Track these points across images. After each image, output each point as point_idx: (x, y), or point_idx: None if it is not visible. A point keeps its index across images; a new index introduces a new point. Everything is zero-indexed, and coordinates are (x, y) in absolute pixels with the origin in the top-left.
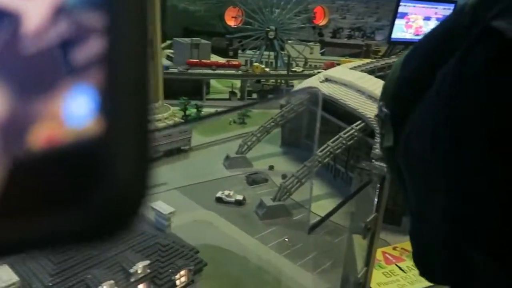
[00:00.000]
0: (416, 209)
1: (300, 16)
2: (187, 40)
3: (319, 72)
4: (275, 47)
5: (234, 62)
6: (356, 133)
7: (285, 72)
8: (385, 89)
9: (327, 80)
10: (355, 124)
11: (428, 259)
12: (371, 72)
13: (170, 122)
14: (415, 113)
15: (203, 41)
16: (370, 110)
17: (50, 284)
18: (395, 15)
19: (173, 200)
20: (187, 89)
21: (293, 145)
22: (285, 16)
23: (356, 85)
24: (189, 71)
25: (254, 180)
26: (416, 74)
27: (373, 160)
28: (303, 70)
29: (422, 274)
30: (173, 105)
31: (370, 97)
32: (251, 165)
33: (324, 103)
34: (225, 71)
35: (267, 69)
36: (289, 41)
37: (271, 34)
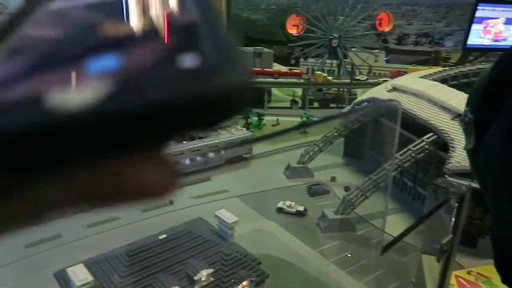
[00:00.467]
0: (498, 214)
1: (364, 23)
2: (250, 49)
3: (384, 81)
4: (338, 55)
5: (296, 71)
6: (427, 146)
7: (348, 81)
8: (471, 95)
9: (394, 89)
10: (426, 137)
11: (511, 265)
12: (443, 81)
13: (233, 130)
14: (499, 115)
15: (265, 49)
16: (443, 121)
17: (120, 285)
18: (471, 19)
19: (235, 208)
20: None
21: (356, 156)
22: (349, 24)
23: (427, 95)
24: (252, 79)
25: (315, 191)
26: (503, 78)
27: (446, 176)
28: (367, 79)
29: (504, 281)
30: None
31: (443, 108)
32: (313, 175)
33: (390, 113)
34: (287, 79)
35: (329, 78)
36: (353, 49)
37: (334, 42)
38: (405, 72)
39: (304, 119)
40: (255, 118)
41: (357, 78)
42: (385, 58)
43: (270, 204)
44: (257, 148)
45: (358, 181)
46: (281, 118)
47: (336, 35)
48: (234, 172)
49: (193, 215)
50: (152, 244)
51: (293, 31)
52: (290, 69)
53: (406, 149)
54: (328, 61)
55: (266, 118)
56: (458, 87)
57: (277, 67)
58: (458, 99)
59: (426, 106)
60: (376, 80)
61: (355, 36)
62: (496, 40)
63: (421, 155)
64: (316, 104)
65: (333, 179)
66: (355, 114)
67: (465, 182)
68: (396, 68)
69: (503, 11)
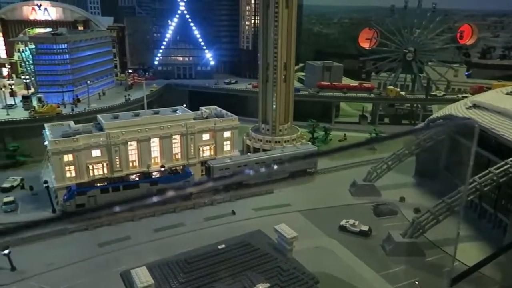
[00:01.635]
0: None
1: (444, 35)
2: (319, 63)
3: (464, 97)
4: (413, 69)
5: (366, 85)
6: (511, 170)
7: (423, 96)
8: None
9: (475, 106)
10: (510, 159)
11: None
12: None
13: (298, 144)
14: None
15: (335, 63)
16: None
17: None
18: None
19: (295, 223)
20: (316, 111)
21: (429, 176)
22: (426, 37)
23: None
24: (320, 93)
25: (382, 211)
26: None
27: None
28: (444, 95)
29: None
30: (301, 127)
31: None
32: (379, 194)
33: (467, 132)
34: (357, 94)
35: (402, 93)
36: (430, 63)
37: (409, 56)
38: (489, 88)
39: (373, 135)
40: (322, 133)
41: (433, 93)
42: (466, 73)
43: (333, 221)
44: (322, 163)
45: (430, 203)
46: (348, 133)
47: (411, 48)
48: (297, 186)
49: (253, 227)
50: (211, 254)
51: (365, 44)
52: (360, 84)
53: (487, 171)
54: (402, 75)
55: (333, 133)
56: None
57: (347, 81)
58: None
59: (511, 125)
60: (454, 96)
61: (433, 50)
62: None
63: (504, 179)
64: (387, 120)
65: (402, 199)
66: (429, 131)
67: None
68: (478, 84)
69: None
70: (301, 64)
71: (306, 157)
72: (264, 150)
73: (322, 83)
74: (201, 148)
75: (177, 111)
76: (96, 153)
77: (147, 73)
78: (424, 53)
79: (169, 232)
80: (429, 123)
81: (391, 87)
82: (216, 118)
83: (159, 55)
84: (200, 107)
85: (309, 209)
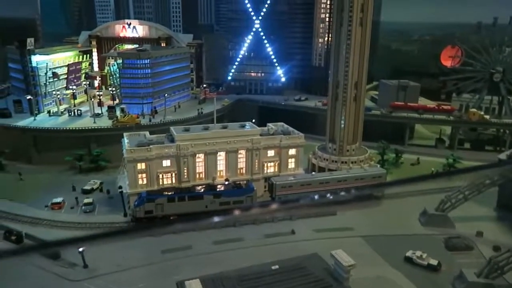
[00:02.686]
0: None
1: None
2: (394, 82)
3: None
4: (501, 91)
5: (445, 107)
6: None
7: (511, 121)
8: None
9: None
10: None
11: None
12: None
13: (366, 165)
14: None
15: (411, 83)
16: None
17: None
18: None
19: (357, 249)
20: (388, 132)
21: (511, 209)
22: None
23: None
24: (393, 114)
25: (455, 245)
26: None
27: None
28: None
29: None
30: (371, 148)
31: None
32: (453, 226)
33: None
34: (434, 115)
35: (486, 116)
36: None
37: (497, 76)
38: None
39: (450, 161)
40: (393, 155)
41: None
42: None
43: (398, 251)
44: (391, 187)
45: None
46: (422, 157)
47: (499, 68)
48: (362, 210)
49: (312, 249)
50: (265, 273)
51: (448, 63)
52: (438, 105)
53: None
54: (487, 97)
55: (405, 156)
56: None
57: (424, 101)
58: None
59: None
60: None
61: None
62: None
63: None
64: (467, 145)
65: (479, 234)
66: None
67: None
68: None
69: None
70: (375, 83)
71: (375, 186)
72: (330, 170)
73: (396, 103)
74: (265, 164)
75: (245, 127)
76: (166, 163)
77: (220, 88)
78: None
79: (228, 246)
80: None
81: (474, 109)
82: (282, 135)
83: (232, 70)
84: (268, 123)
85: (373, 235)
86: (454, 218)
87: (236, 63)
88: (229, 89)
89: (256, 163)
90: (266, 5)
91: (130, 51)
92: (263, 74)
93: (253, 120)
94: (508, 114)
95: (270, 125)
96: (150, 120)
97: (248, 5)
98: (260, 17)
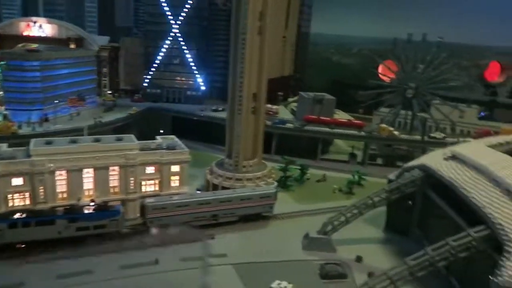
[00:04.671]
0: None
1: (454, 72)
2: (311, 94)
3: (464, 141)
4: (413, 107)
5: (356, 122)
6: (474, 243)
7: (420, 138)
8: None
9: (453, 157)
10: (474, 230)
11: None
12: None
13: (262, 182)
14: None
15: (327, 96)
16: (502, 211)
17: None
18: None
19: (223, 279)
20: (302, 146)
21: (400, 233)
22: (429, 73)
23: (490, 172)
24: (306, 127)
25: (328, 273)
26: None
27: None
28: (444, 137)
29: None
30: (279, 163)
31: (509, 192)
32: (334, 250)
33: (443, 188)
34: (345, 130)
35: (396, 132)
36: (435, 102)
37: (409, 92)
38: (497, 133)
39: (356, 177)
40: (297, 170)
41: (433, 135)
42: (482, 113)
43: (266, 280)
44: (283, 206)
45: (393, 265)
46: (332, 173)
47: (412, 85)
48: (245, 233)
49: (177, 280)
50: None
51: (385, 77)
52: (349, 120)
53: (443, 242)
54: (407, 112)
55: (315, 171)
56: None
57: (342, 115)
58: None
59: (486, 186)
60: (455, 140)
61: (439, 88)
62: None
63: (464, 254)
64: (380, 161)
65: (359, 259)
66: (396, 183)
67: None
68: (486, 128)
69: None
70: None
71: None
72: (224, 187)
73: (309, 116)
74: (143, 183)
75: (122, 140)
76: (17, 181)
77: (136, 95)
78: (427, 91)
79: (73, 280)
80: (404, 171)
81: (384, 125)
82: (163, 150)
83: (149, 77)
84: (156, 136)
85: (246, 262)
86: (339, 241)
87: (153, 69)
88: (146, 96)
89: (132, 182)
90: (186, 10)
91: (16, 51)
92: (181, 82)
93: (161, 131)
94: (418, 130)
95: (159, 138)
96: (33, 129)
97: (167, 9)
98: (179, 22)
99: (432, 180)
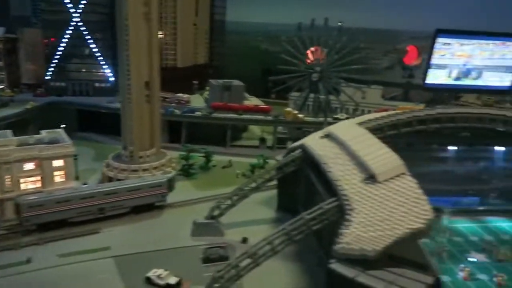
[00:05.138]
0: None
1: (353, 56)
2: (220, 81)
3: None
4: (320, 90)
5: (263, 107)
6: (324, 217)
7: (321, 120)
8: None
9: (327, 136)
10: (326, 202)
11: None
12: (382, 128)
13: (160, 172)
14: None
15: (236, 82)
16: (350, 183)
17: None
18: (430, 53)
19: (100, 273)
20: (212, 134)
21: (291, 212)
22: (332, 57)
23: (347, 147)
24: (213, 115)
25: (209, 256)
26: None
27: (332, 261)
28: (347, 117)
29: None
30: (193, 152)
31: (360, 164)
32: (222, 234)
33: (316, 165)
34: (252, 116)
35: (300, 115)
36: (343, 84)
37: (314, 76)
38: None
39: (260, 161)
40: (200, 158)
41: (336, 116)
42: (392, 95)
43: (145, 270)
44: (183, 194)
45: None
46: (240, 159)
47: (317, 68)
48: (135, 224)
49: (52, 277)
50: None
51: (312, 62)
52: (256, 105)
53: (299, 217)
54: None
55: (223, 157)
56: (400, 135)
57: (255, 101)
58: (376, 155)
59: (343, 160)
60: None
61: (342, 70)
62: (458, 79)
63: (317, 226)
64: (290, 144)
65: (244, 240)
66: (278, 163)
67: (351, 273)
68: (384, 107)
69: (469, 44)
70: None
71: None
72: (119, 180)
73: (216, 103)
74: (22, 180)
75: None
76: None
77: (38, 89)
78: (332, 74)
79: None
80: (289, 151)
81: (289, 109)
82: (42, 145)
83: (51, 69)
84: (41, 131)
85: (128, 254)
86: (229, 225)
87: (55, 62)
88: (50, 90)
89: (8, 179)
90: None
91: None
92: (89, 74)
93: (62, 126)
94: (326, 112)
95: (43, 132)
96: None
97: None
98: (79, 10)
99: (309, 159)
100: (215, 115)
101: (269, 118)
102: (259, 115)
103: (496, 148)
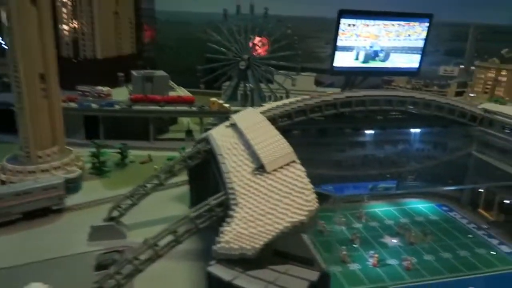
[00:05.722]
0: None
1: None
2: (141, 72)
3: None
4: (248, 79)
5: (186, 97)
6: (213, 213)
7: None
8: None
9: (232, 125)
10: (213, 198)
11: None
12: (291, 113)
13: (62, 172)
14: None
15: (158, 73)
16: (239, 176)
17: None
18: (336, 36)
19: None
20: (134, 128)
21: None
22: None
23: (245, 135)
24: (134, 107)
25: (101, 263)
26: None
27: (211, 263)
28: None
29: None
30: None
31: (252, 154)
32: (124, 236)
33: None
34: (176, 107)
35: (226, 105)
36: (277, 72)
37: (242, 64)
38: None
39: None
40: (113, 154)
41: (264, 104)
42: (330, 82)
43: (20, 285)
44: (88, 195)
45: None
46: (163, 153)
47: (245, 56)
48: (26, 232)
49: None
50: None
51: (258, 52)
52: (179, 96)
53: (185, 215)
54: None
55: (142, 153)
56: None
57: (183, 92)
58: (267, 143)
59: (238, 151)
60: None
61: (271, 57)
62: (366, 61)
63: (206, 223)
64: None
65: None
66: (181, 156)
67: (228, 276)
68: (315, 93)
69: (374, 25)
70: None
71: None
72: (12, 183)
73: (135, 95)
74: None
75: None
76: None
77: None
78: (259, 62)
79: None
80: (197, 143)
81: (214, 99)
82: None
83: None
84: None
85: (6, 267)
86: (137, 225)
87: None
88: None
89: None
90: None
91: None
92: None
93: None
94: (259, 101)
95: None
96: None
97: None
98: None
99: (212, 150)
100: (136, 107)
101: (194, 109)
102: (183, 107)
103: (412, 130)
